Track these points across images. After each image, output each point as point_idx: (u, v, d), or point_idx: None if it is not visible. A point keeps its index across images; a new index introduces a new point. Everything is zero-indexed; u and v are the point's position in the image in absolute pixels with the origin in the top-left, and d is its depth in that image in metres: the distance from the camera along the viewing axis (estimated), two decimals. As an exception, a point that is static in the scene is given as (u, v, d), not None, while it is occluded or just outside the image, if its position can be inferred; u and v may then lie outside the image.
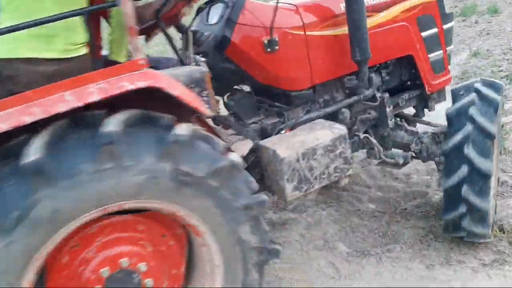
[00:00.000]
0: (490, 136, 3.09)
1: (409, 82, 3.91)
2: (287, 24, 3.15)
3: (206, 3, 3.38)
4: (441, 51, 3.80)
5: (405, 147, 3.81)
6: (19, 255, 1.92)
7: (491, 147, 3.13)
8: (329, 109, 3.40)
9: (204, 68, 2.40)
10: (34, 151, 1.90)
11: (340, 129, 3.03)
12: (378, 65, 3.64)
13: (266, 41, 3.05)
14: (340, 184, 3.20)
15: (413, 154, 3.77)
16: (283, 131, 3.18)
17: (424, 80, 3.74)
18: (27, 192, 1.90)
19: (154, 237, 2.36)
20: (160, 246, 2.38)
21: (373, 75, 3.57)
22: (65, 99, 1.99)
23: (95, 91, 2.03)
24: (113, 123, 2.01)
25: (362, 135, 3.67)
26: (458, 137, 3.15)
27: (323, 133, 2.98)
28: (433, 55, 3.76)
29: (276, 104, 3.37)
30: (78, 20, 2.23)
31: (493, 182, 3.26)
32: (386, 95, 3.68)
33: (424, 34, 3.66)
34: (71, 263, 2.21)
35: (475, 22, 9.78)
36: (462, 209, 3.18)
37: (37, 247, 1.97)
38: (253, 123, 3.32)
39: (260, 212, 2.42)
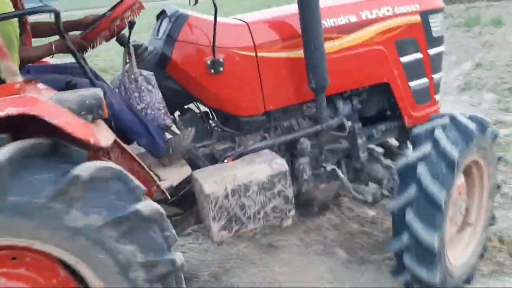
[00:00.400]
0: (437, 206, 2.56)
1: (388, 112, 3.52)
2: (235, 44, 2.85)
3: (157, 16, 3.13)
4: (425, 79, 3.38)
5: (379, 183, 3.43)
6: None
7: (438, 218, 2.60)
8: (283, 138, 3.08)
9: (100, 93, 2.13)
10: None
11: (280, 165, 2.71)
12: (348, 92, 3.28)
13: (209, 62, 2.77)
14: (283, 225, 2.89)
15: (385, 192, 3.38)
16: (225, 160, 2.88)
17: (403, 111, 3.35)
18: None
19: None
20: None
21: (341, 102, 3.24)
22: None
23: None
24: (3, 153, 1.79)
25: (329, 167, 3.33)
26: (401, 199, 2.70)
27: (259, 168, 2.68)
28: (415, 83, 3.35)
29: (226, 129, 3.08)
30: None
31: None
32: (358, 125, 3.31)
33: (404, 59, 3.26)
34: None
35: (479, 33, 9.92)
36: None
37: None
38: (203, 146, 3.05)
39: (171, 274, 2.14)
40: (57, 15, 2.19)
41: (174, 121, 3.00)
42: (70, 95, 2.11)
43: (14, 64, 1.96)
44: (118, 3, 2.73)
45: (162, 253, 2.07)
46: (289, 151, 3.18)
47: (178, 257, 2.13)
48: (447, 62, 7.41)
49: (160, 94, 2.75)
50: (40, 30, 2.85)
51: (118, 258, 1.99)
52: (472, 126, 2.74)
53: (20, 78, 1.97)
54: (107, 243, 1.96)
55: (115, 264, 2.00)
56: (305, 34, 2.81)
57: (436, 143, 2.64)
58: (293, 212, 2.80)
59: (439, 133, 2.66)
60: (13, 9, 2.37)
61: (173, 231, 2.14)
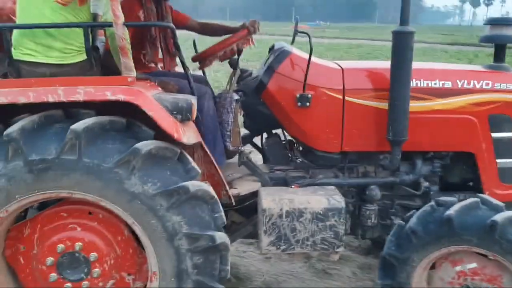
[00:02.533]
0: None
1: (471, 183, 3.49)
2: (326, 84, 3.13)
3: (269, 49, 3.54)
4: (515, 159, 3.32)
5: None
6: None
7: None
8: (354, 181, 3.26)
9: (192, 99, 2.58)
10: (15, 127, 2.31)
11: (338, 201, 2.90)
12: (431, 154, 3.34)
13: (298, 96, 3.09)
14: (331, 259, 3.05)
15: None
16: (293, 186, 3.15)
17: (485, 185, 3.29)
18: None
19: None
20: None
21: (420, 161, 3.31)
22: (57, 93, 2.38)
23: (81, 92, 2.38)
24: (81, 123, 2.32)
25: (397, 221, 3.40)
26: None
27: (317, 199, 2.90)
28: (504, 161, 3.30)
29: (303, 159, 3.34)
30: (75, 30, 2.60)
31: None
32: (435, 188, 3.35)
33: (495, 135, 3.25)
34: None
35: None
36: None
37: None
38: (279, 170, 3.36)
39: (213, 250, 2.50)
40: (173, 30, 2.70)
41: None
42: (168, 97, 2.58)
43: (131, 61, 2.47)
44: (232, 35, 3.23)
45: (205, 229, 2.43)
46: (360, 196, 3.33)
47: (220, 236, 2.47)
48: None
49: (232, 119, 3.12)
50: None
51: (166, 225, 2.42)
52: None
53: (134, 74, 2.48)
54: (158, 210, 2.39)
55: (163, 230, 2.43)
56: (392, 88, 3.00)
57: None
58: (341, 249, 2.95)
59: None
60: None
61: (222, 214, 2.53)
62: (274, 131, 3.54)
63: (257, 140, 3.69)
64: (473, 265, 2.87)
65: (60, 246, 2.57)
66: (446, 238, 2.75)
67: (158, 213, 2.41)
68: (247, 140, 3.61)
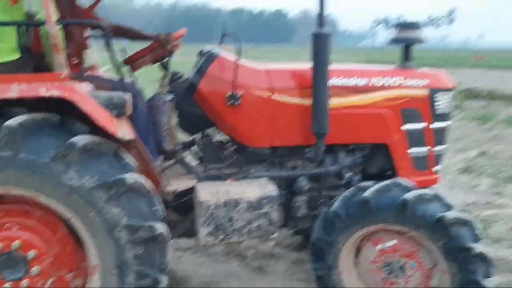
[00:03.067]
0: None
1: (390, 172, 3.82)
2: (254, 84, 3.35)
3: (198, 54, 3.71)
4: (425, 149, 3.68)
5: None
6: None
7: None
8: (284, 173, 3.48)
9: (125, 96, 2.68)
10: None
11: (271, 190, 3.10)
12: (352, 146, 3.64)
13: (228, 95, 3.28)
14: (267, 245, 3.23)
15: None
16: (228, 180, 3.31)
17: (400, 172, 3.62)
18: None
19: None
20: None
21: (343, 153, 3.60)
22: (-12, 91, 2.39)
23: (16, 89, 2.41)
24: (13, 120, 2.36)
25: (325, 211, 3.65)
26: None
27: (251, 189, 3.09)
28: (415, 150, 3.65)
29: (236, 156, 3.52)
30: (7, 29, 2.66)
31: None
32: (358, 177, 3.64)
33: (407, 126, 3.60)
34: None
35: (491, 128, 11.08)
36: None
37: None
38: (213, 168, 3.51)
39: (153, 242, 2.59)
40: (104, 30, 2.80)
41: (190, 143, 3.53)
42: (102, 93, 2.67)
43: (64, 58, 2.54)
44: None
45: (144, 220, 2.52)
46: (290, 188, 3.55)
47: (159, 227, 2.56)
48: (453, 148, 8.23)
49: (166, 119, 3.27)
50: None
51: (106, 218, 2.48)
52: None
53: (66, 71, 2.55)
54: (97, 203, 2.46)
55: (103, 223, 2.48)
56: (314, 87, 3.26)
57: None
58: (275, 235, 3.13)
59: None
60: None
61: (160, 207, 2.62)
62: (205, 132, 3.69)
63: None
64: (392, 242, 3.17)
65: None
66: (366, 218, 3.07)
67: (97, 206, 2.48)
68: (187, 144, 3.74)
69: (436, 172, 3.79)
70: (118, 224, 2.52)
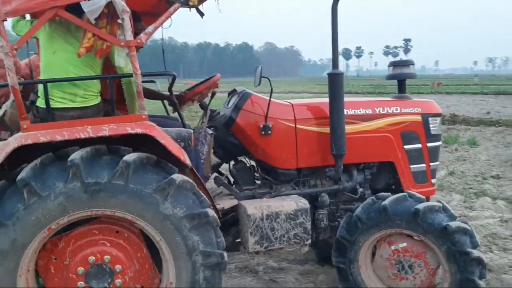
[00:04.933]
0: None
1: (393, 186, 4.49)
2: (282, 116, 4.01)
3: (229, 93, 4.37)
4: (424, 165, 4.38)
5: None
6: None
7: None
8: (309, 190, 4.11)
9: (191, 131, 3.29)
10: (76, 155, 2.86)
11: (304, 204, 3.71)
12: (362, 165, 4.31)
13: (261, 126, 3.92)
14: (301, 251, 3.83)
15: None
16: (264, 198, 3.92)
17: (404, 186, 4.31)
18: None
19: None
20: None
21: (355, 171, 4.26)
22: (87, 130, 2.97)
23: (106, 129, 2.99)
24: (130, 156, 2.95)
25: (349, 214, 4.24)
26: None
27: (288, 203, 3.70)
28: (415, 167, 4.35)
29: (267, 177, 4.14)
30: (92, 81, 3.26)
31: None
32: (368, 192, 4.30)
33: (407, 147, 4.30)
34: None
35: (455, 149, 11.95)
36: None
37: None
38: (247, 189, 4.12)
39: (217, 264, 3.14)
40: (174, 78, 3.42)
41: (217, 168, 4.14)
42: (172, 129, 3.27)
43: (144, 103, 3.14)
44: (203, 81, 4.02)
45: (214, 248, 3.10)
46: (312, 203, 4.17)
47: (225, 255, 3.14)
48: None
49: (207, 149, 3.82)
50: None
51: (188, 243, 3.04)
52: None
53: (146, 112, 3.14)
54: (183, 230, 3.02)
55: (185, 247, 3.04)
56: (332, 116, 3.94)
57: None
58: (309, 241, 3.73)
59: None
60: None
61: (223, 238, 3.19)
62: (240, 158, 4.30)
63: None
64: (404, 244, 3.79)
65: (92, 258, 3.07)
66: (383, 223, 3.69)
67: (182, 233, 3.03)
68: (214, 168, 4.33)
69: (433, 184, 4.49)
70: (196, 249, 3.07)
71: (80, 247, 3.09)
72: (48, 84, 3.13)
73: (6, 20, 2.81)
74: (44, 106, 3.14)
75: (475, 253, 3.49)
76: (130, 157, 2.93)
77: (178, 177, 3.02)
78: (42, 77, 3.26)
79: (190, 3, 3.13)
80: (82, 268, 3.07)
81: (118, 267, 3.12)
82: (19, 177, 2.81)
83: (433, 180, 4.50)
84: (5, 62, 2.83)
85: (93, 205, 2.91)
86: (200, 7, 3.27)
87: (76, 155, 2.83)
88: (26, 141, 2.88)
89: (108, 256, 3.11)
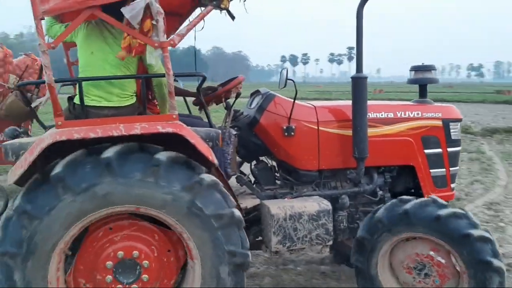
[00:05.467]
0: None
1: (412, 190, 4.53)
2: (305, 118, 4.07)
3: (251, 94, 4.43)
4: (443, 169, 4.42)
5: None
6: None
7: None
8: (329, 192, 4.16)
9: (219, 131, 3.36)
10: (110, 152, 2.96)
11: (326, 205, 3.76)
12: (382, 168, 4.35)
13: (285, 127, 3.98)
14: (322, 252, 3.88)
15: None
16: (285, 198, 3.98)
17: (424, 190, 4.34)
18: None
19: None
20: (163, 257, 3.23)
21: (375, 174, 4.30)
22: (119, 128, 3.04)
23: (138, 127, 3.06)
24: (161, 155, 3.02)
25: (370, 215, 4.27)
26: None
27: (311, 204, 3.75)
28: (435, 171, 4.38)
29: (289, 178, 4.19)
30: (128, 81, 3.34)
31: None
32: (388, 195, 4.34)
33: (427, 151, 4.34)
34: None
35: None
36: None
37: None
38: (269, 189, 4.18)
39: (241, 264, 3.20)
40: (204, 78, 3.49)
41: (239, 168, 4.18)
42: (201, 129, 3.34)
43: (175, 102, 3.21)
44: (227, 81, 4.09)
45: (239, 247, 3.15)
46: (332, 204, 4.20)
47: (249, 255, 3.19)
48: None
49: (231, 149, 3.89)
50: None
51: (214, 242, 3.11)
52: None
53: (177, 112, 3.21)
54: (210, 229, 3.09)
55: (211, 245, 3.11)
56: (354, 119, 3.99)
57: None
58: (331, 242, 3.78)
59: None
60: None
61: (247, 238, 3.23)
62: (261, 158, 4.36)
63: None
64: (424, 249, 3.78)
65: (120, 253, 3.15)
66: (404, 226, 3.69)
67: (209, 231, 3.10)
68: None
69: (452, 189, 4.52)
70: (222, 248, 3.13)
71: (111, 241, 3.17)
72: (86, 83, 3.22)
73: (43, 19, 2.90)
74: (86, 104, 3.23)
75: (496, 262, 3.47)
76: (162, 155, 3.00)
77: (206, 176, 3.09)
78: (80, 76, 3.35)
79: (222, 6, 3.19)
80: (111, 263, 3.14)
81: (145, 277, 3.18)
82: (53, 172, 2.90)
83: (452, 185, 4.53)
84: (42, 60, 2.92)
85: (124, 201, 2.99)
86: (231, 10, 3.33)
87: (109, 152, 2.90)
88: (61, 138, 2.96)
89: (147, 262, 3.18)
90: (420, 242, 3.79)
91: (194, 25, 3.18)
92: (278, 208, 3.66)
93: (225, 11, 3.27)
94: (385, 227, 3.74)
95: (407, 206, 3.69)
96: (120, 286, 3.15)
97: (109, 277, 3.14)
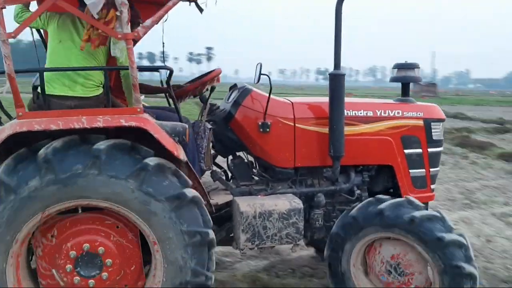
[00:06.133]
0: None
1: (391, 190, 4.45)
2: (281, 114, 3.99)
3: (230, 88, 4.35)
4: (423, 170, 4.33)
5: None
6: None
7: None
8: (305, 190, 4.10)
9: (185, 126, 3.29)
10: (49, 150, 2.90)
11: (297, 204, 3.70)
12: (361, 167, 4.27)
13: (260, 123, 3.91)
14: (293, 251, 3.82)
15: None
16: (259, 195, 3.91)
17: (402, 190, 4.26)
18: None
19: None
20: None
21: (353, 173, 4.22)
22: (81, 121, 2.99)
23: (101, 120, 3.00)
24: (103, 144, 2.95)
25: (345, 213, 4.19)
26: None
27: (282, 202, 3.68)
28: (415, 171, 4.30)
29: (264, 174, 4.13)
30: (94, 72, 3.29)
31: None
32: (365, 194, 4.27)
33: (407, 151, 4.25)
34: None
35: None
36: None
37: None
38: (244, 185, 4.11)
39: (202, 241, 3.14)
40: (171, 72, 3.42)
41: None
42: (167, 123, 3.27)
43: (139, 96, 3.15)
44: (204, 75, 4.02)
45: (199, 226, 3.10)
46: (308, 202, 4.15)
47: (210, 232, 3.13)
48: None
49: (206, 143, 3.83)
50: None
51: (171, 225, 3.05)
52: None
53: (141, 106, 3.15)
54: (165, 212, 3.03)
55: (168, 229, 3.06)
56: (331, 116, 3.91)
57: None
58: (301, 242, 3.72)
59: None
60: None
61: (209, 217, 3.18)
62: (237, 154, 4.30)
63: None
64: (397, 250, 3.70)
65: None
66: (378, 225, 3.64)
67: (165, 215, 3.04)
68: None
69: (432, 190, 4.44)
70: (180, 230, 3.08)
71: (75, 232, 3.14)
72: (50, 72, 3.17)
73: (5, 8, 2.84)
74: (49, 93, 3.18)
75: (467, 267, 3.42)
76: (101, 145, 2.94)
77: (152, 160, 3.02)
78: (47, 65, 3.31)
79: None
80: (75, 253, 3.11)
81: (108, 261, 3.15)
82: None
83: (432, 186, 4.45)
84: (2, 49, 2.86)
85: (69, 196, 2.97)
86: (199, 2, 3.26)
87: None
88: (21, 129, 2.91)
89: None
90: (394, 242, 3.74)
91: (160, 18, 3.11)
92: (248, 205, 3.60)
93: (193, 3, 3.19)
94: (359, 225, 3.68)
95: (382, 205, 3.63)
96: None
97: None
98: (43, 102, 3.18)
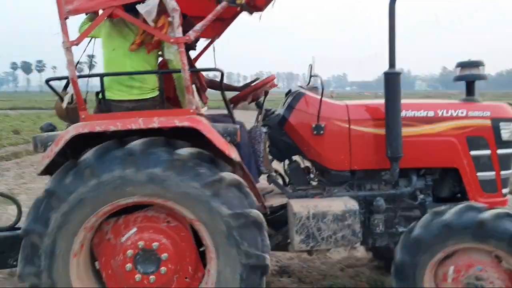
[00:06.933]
0: None
1: (458, 195, 4.22)
2: (335, 116, 3.95)
3: (286, 94, 4.39)
4: (492, 173, 4.07)
5: None
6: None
7: None
8: (362, 193, 4.00)
9: (237, 126, 3.36)
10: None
11: (353, 205, 3.62)
12: (423, 170, 4.10)
13: (314, 125, 3.89)
14: (352, 255, 3.73)
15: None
16: (314, 198, 3.88)
17: (470, 194, 4.02)
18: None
19: None
20: None
21: (415, 176, 4.06)
22: (138, 122, 3.15)
23: (156, 121, 3.15)
24: (184, 150, 3.13)
25: (401, 229, 4.06)
26: None
27: (336, 204, 3.63)
28: (483, 174, 4.05)
29: (320, 178, 4.09)
30: (149, 75, 3.47)
31: None
32: (429, 199, 4.08)
33: (473, 153, 4.03)
34: None
35: None
36: None
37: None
38: (300, 189, 4.10)
39: (257, 265, 3.18)
40: (222, 74, 3.53)
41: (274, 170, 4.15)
42: (219, 124, 3.36)
43: (193, 98, 3.27)
44: (255, 79, 4.10)
45: (257, 249, 3.19)
46: (368, 207, 4.04)
47: (268, 260, 3.22)
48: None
49: (263, 147, 3.88)
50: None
51: (231, 241, 3.12)
52: None
53: (194, 107, 3.27)
54: (228, 228, 3.12)
55: (228, 244, 3.14)
56: (387, 117, 3.81)
57: None
58: (358, 245, 3.62)
59: None
60: None
61: (268, 242, 3.24)
62: (294, 158, 4.30)
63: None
64: (472, 259, 3.46)
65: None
66: (447, 239, 3.40)
67: (227, 230, 3.14)
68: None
69: (504, 195, 4.15)
70: (239, 248, 3.15)
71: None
72: (109, 78, 3.39)
73: (68, 18, 3.09)
74: (109, 98, 3.41)
75: None
76: (183, 151, 3.07)
77: (228, 175, 3.12)
78: (105, 71, 3.54)
79: (237, 2, 3.22)
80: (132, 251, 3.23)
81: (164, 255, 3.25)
82: (81, 158, 3.08)
83: (503, 190, 4.17)
84: (66, 56, 3.11)
85: (144, 192, 3.11)
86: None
87: (133, 145, 3.06)
88: (83, 130, 3.13)
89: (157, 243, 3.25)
90: (469, 253, 3.47)
91: (209, 22, 3.23)
92: (301, 206, 3.58)
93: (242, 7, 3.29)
94: (426, 245, 3.43)
95: (446, 217, 3.42)
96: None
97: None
98: (104, 105, 3.40)
